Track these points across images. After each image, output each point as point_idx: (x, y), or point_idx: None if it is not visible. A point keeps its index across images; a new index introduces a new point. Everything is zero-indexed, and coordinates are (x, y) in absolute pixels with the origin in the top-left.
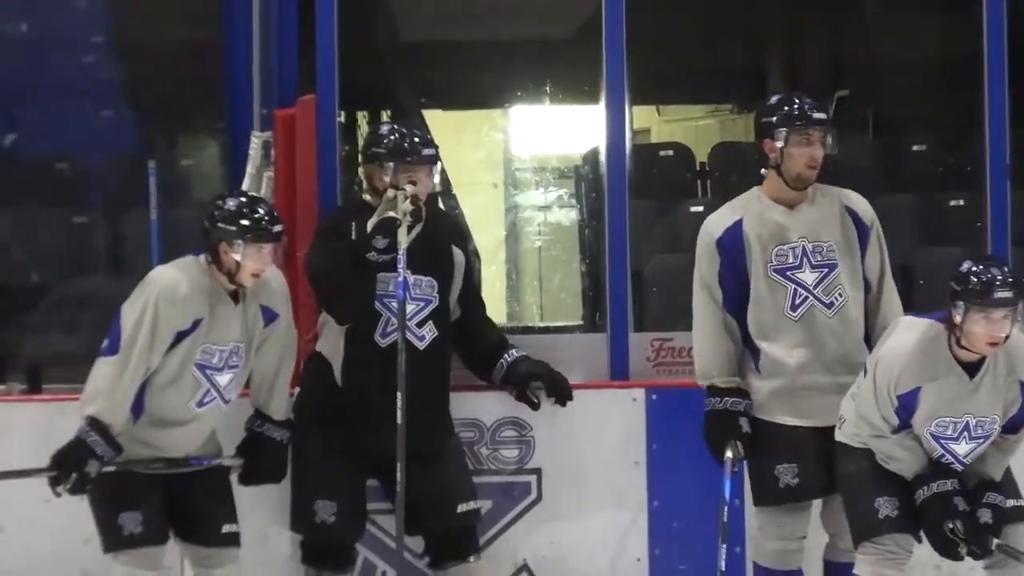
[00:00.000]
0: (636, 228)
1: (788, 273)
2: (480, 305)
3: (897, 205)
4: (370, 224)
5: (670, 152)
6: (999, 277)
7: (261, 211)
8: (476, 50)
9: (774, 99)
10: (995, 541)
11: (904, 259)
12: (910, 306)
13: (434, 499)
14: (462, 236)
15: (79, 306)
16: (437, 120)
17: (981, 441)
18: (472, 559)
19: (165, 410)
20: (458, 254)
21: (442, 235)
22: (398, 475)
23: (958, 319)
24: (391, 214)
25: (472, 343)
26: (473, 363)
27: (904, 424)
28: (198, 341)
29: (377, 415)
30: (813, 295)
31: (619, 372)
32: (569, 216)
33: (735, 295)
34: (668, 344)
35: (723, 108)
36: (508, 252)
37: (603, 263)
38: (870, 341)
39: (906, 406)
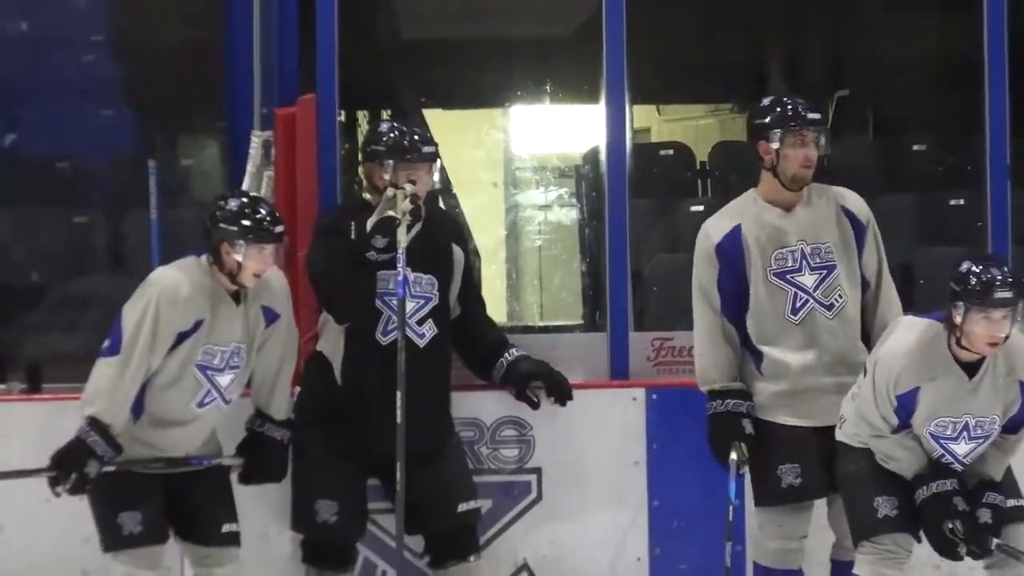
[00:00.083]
0: (636, 227)
1: (788, 276)
2: (480, 304)
3: (897, 205)
4: (369, 223)
5: (670, 151)
6: (999, 277)
7: (263, 211)
8: (476, 49)
9: (767, 101)
10: (995, 541)
11: (904, 259)
12: (910, 305)
13: (434, 498)
14: (462, 234)
15: (80, 306)
16: (437, 119)
17: (981, 441)
18: (472, 558)
19: (165, 410)
20: (458, 252)
21: (442, 233)
22: (398, 474)
23: (958, 319)
24: (390, 213)
25: (472, 342)
26: (473, 362)
27: (904, 424)
28: (199, 342)
29: (377, 414)
30: (813, 298)
31: (619, 371)
32: (569, 215)
33: (734, 301)
34: (668, 343)
35: (723, 107)
36: (508, 251)
37: (603, 262)
38: (869, 339)
39: (905, 406)
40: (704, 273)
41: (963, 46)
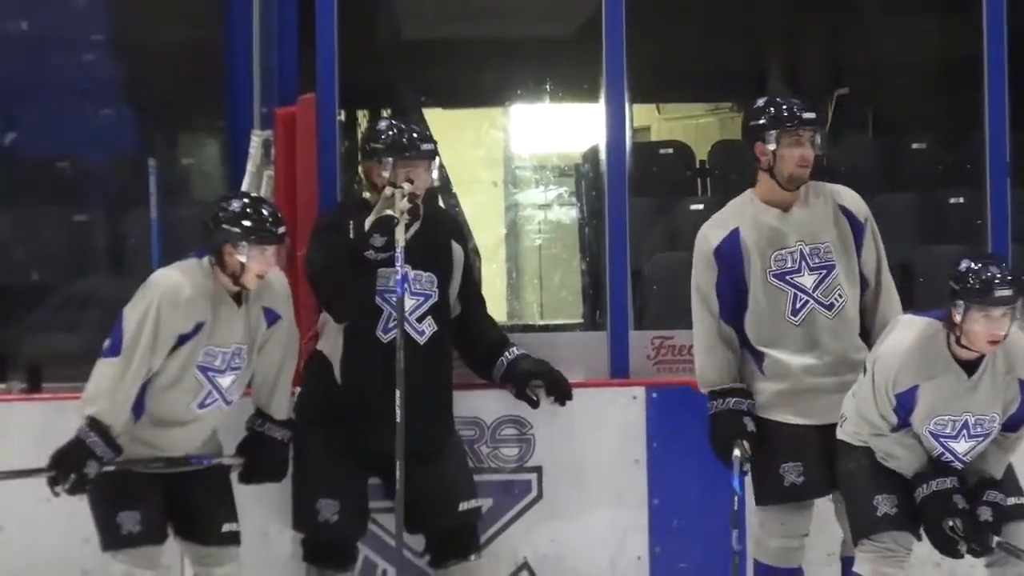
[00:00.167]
0: (636, 226)
1: (788, 277)
2: (480, 302)
3: (897, 203)
4: (368, 222)
5: (670, 150)
6: (998, 275)
7: (265, 212)
8: (476, 49)
9: (761, 102)
10: (995, 539)
11: (904, 257)
12: (910, 304)
13: (435, 497)
14: (461, 232)
15: (80, 306)
16: (437, 118)
17: (980, 439)
18: (473, 558)
19: (166, 411)
20: (457, 250)
21: (441, 231)
22: (397, 473)
23: (958, 318)
24: (388, 212)
25: (472, 340)
26: (473, 361)
27: (903, 422)
28: (200, 344)
29: (377, 413)
30: (813, 298)
31: (619, 370)
32: (569, 214)
33: (732, 304)
34: (668, 342)
35: (723, 106)
36: (508, 250)
37: (603, 261)
38: (869, 338)
39: (904, 404)
40: (703, 277)
41: (963, 45)
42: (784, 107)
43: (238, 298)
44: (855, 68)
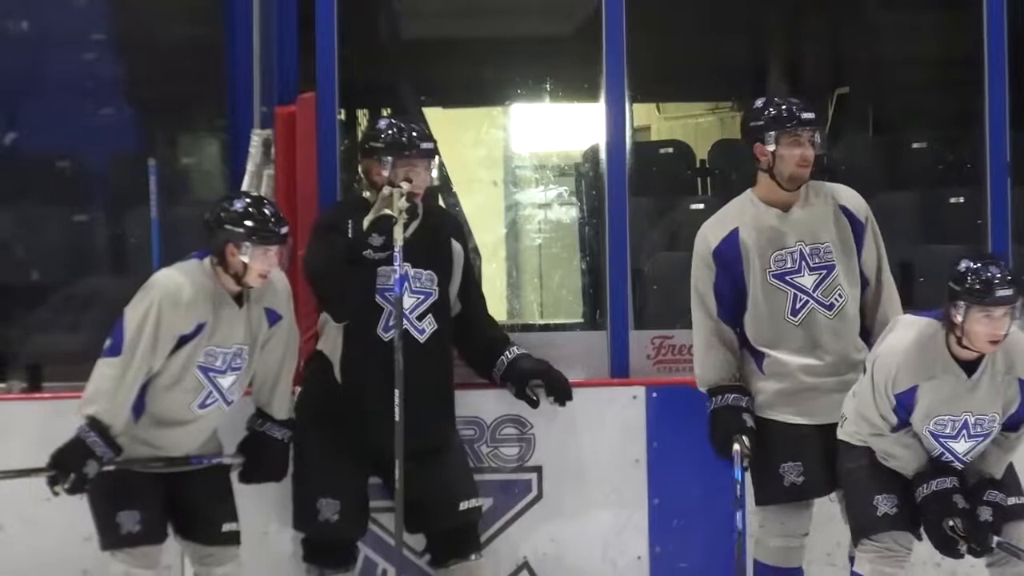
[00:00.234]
0: (636, 226)
1: (787, 278)
2: (481, 301)
3: (897, 203)
4: (366, 221)
5: (670, 149)
6: (998, 275)
7: (268, 212)
8: (476, 48)
9: (760, 102)
10: (996, 539)
11: (904, 256)
12: (910, 304)
13: (436, 497)
14: (461, 231)
15: (81, 306)
16: (437, 118)
17: (980, 439)
18: (473, 557)
19: (166, 411)
20: (457, 248)
21: (441, 229)
22: (396, 472)
23: (959, 319)
24: (387, 211)
25: (473, 339)
26: (473, 360)
27: (903, 422)
28: (201, 344)
29: (377, 412)
30: (813, 298)
31: (619, 370)
32: (569, 214)
33: (731, 304)
34: (668, 342)
35: (723, 106)
36: (508, 250)
37: (603, 261)
38: (870, 337)
39: (904, 405)
40: (701, 277)
41: (963, 44)
42: (783, 107)
43: (239, 299)
44: (855, 67)
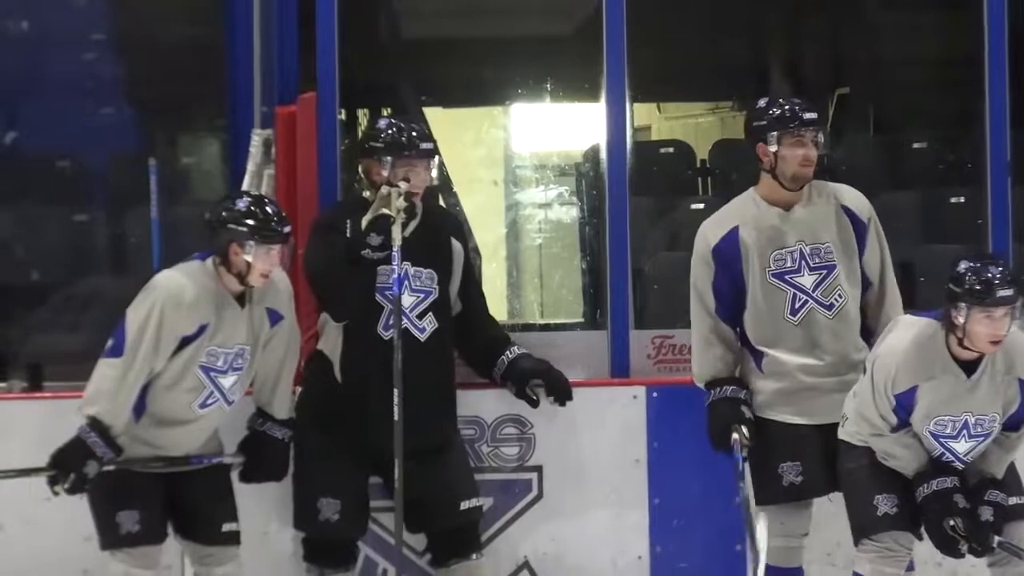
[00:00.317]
0: (637, 225)
1: (787, 277)
2: (481, 301)
3: (898, 202)
4: (364, 221)
5: (671, 149)
6: (998, 275)
7: (270, 211)
8: (477, 47)
9: (763, 102)
10: (997, 539)
11: (905, 256)
12: (911, 304)
13: (436, 497)
14: (461, 230)
15: (82, 306)
16: (438, 117)
17: (981, 439)
18: (474, 557)
19: (167, 411)
20: (457, 246)
21: (441, 228)
22: (396, 471)
23: (960, 320)
24: (385, 211)
25: (473, 339)
26: (474, 359)
27: (903, 423)
28: (203, 345)
29: (377, 411)
30: (812, 298)
31: (620, 369)
32: (570, 213)
33: (730, 302)
34: (669, 341)
35: (724, 105)
36: (509, 249)
37: (604, 260)
38: (872, 338)
39: (904, 405)
40: (700, 275)
41: (963, 44)
42: (786, 108)
43: (241, 299)
44: (856, 67)
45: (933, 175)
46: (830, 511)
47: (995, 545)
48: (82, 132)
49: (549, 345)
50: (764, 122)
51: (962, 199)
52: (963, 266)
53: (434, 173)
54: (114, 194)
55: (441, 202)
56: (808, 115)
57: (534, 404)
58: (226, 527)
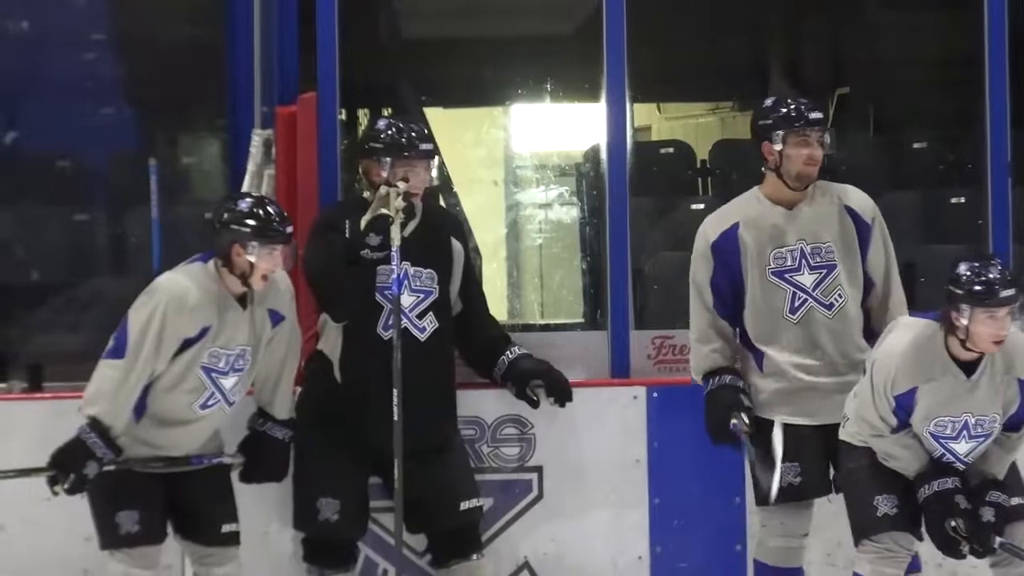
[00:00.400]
0: (637, 225)
1: (787, 276)
2: (481, 300)
3: (898, 203)
4: (363, 221)
5: (671, 149)
6: (998, 276)
7: (272, 211)
8: (477, 47)
9: (769, 102)
10: (998, 540)
11: (905, 256)
12: (911, 304)
13: (437, 497)
14: (461, 230)
15: (82, 306)
16: (438, 117)
17: (981, 440)
18: (475, 557)
19: (168, 411)
20: (457, 246)
21: (441, 228)
22: (396, 471)
23: (963, 321)
24: (384, 211)
25: (473, 339)
26: (474, 359)
27: (903, 424)
28: (205, 347)
29: (377, 411)
30: (812, 297)
31: (620, 370)
32: (570, 213)
33: (729, 299)
34: (669, 342)
35: (724, 105)
36: (509, 250)
37: (604, 260)
38: (875, 339)
39: (903, 406)
40: (699, 270)
41: (964, 44)
42: (791, 107)
43: (243, 300)
44: (856, 67)
45: (933, 175)
46: (830, 511)
47: (996, 546)
48: (82, 132)
49: (549, 345)
50: (769, 121)
51: (962, 199)
52: (963, 267)
53: (434, 173)
54: (114, 194)
55: (441, 202)
56: (814, 115)
57: (534, 405)
58: (226, 527)
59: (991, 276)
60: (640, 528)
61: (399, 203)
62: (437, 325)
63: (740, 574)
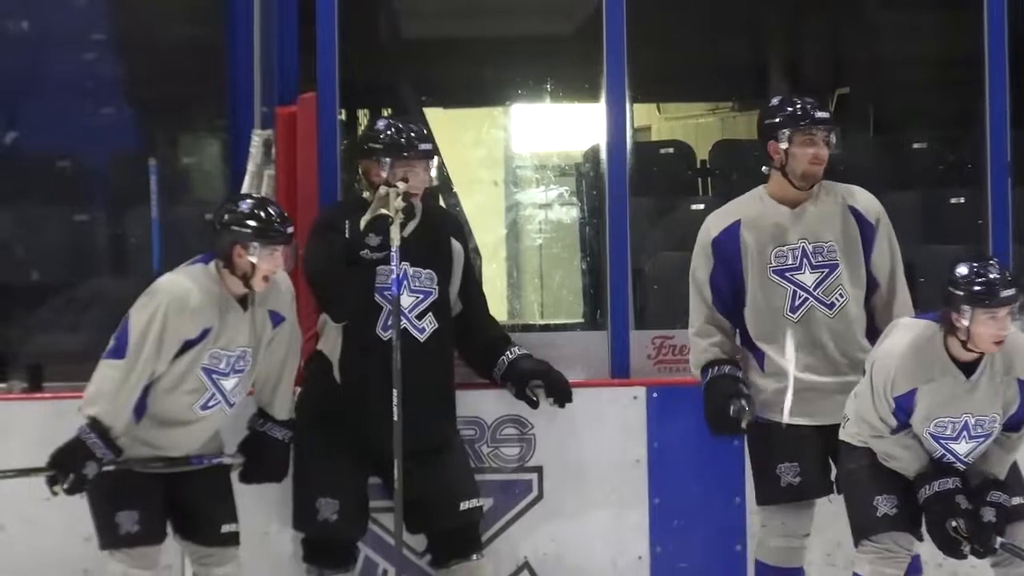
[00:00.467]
0: (637, 226)
1: (788, 274)
2: (481, 301)
3: (898, 203)
4: (363, 221)
5: (671, 150)
6: (999, 276)
7: (273, 212)
8: (477, 47)
9: (776, 100)
10: (999, 540)
11: (905, 257)
12: (913, 304)
13: (436, 497)
14: (461, 230)
15: (82, 306)
16: (438, 118)
17: (981, 440)
18: (475, 557)
19: (168, 412)
20: (456, 247)
21: (441, 229)
22: (395, 472)
23: (964, 322)
24: (383, 211)
25: (473, 339)
26: (474, 360)
27: (903, 425)
28: (206, 348)
29: (377, 412)
30: (813, 296)
31: (620, 370)
32: (570, 214)
33: (728, 298)
34: (669, 342)
35: (723, 106)
36: (509, 250)
37: (604, 261)
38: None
39: (903, 407)
40: (699, 266)
41: (964, 44)
42: (798, 106)
43: (244, 302)
44: (855, 67)
45: (933, 175)
46: (830, 512)
47: (997, 546)
48: (82, 132)
49: (549, 345)
50: (776, 120)
51: (962, 200)
52: (962, 269)
53: (433, 173)
54: (114, 194)
55: (441, 202)
56: (820, 114)
57: (534, 405)
58: (226, 528)
59: (991, 277)
60: (640, 528)
61: (399, 203)
62: (436, 326)
63: (740, 574)
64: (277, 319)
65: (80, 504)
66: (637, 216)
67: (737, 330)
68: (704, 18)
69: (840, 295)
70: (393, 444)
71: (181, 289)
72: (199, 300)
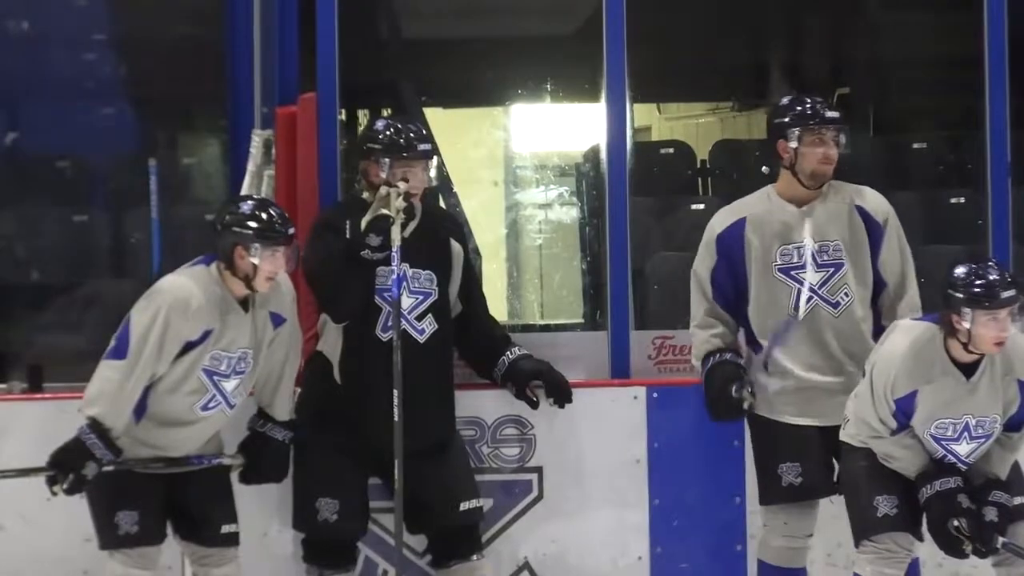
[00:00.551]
0: (637, 226)
1: (793, 273)
2: (481, 301)
3: (898, 203)
4: (363, 222)
5: (671, 150)
6: (999, 277)
7: (274, 213)
8: (477, 48)
9: (785, 100)
10: (1001, 539)
11: None
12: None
13: (437, 497)
14: (460, 231)
15: (82, 306)
16: (438, 118)
17: (982, 441)
18: (475, 557)
19: (168, 412)
20: (456, 247)
21: (441, 229)
22: (395, 472)
23: (965, 324)
24: (384, 211)
25: (473, 339)
26: (474, 360)
27: (902, 426)
28: (207, 350)
29: (377, 412)
30: (818, 295)
31: (620, 370)
32: (570, 214)
33: (730, 294)
34: (669, 342)
35: (724, 106)
36: (509, 250)
37: (604, 261)
38: None
39: (904, 409)
40: (702, 261)
41: (964, 44)
42: (808, 105)
43: (245, 303)
44: (855, 67)
45: (933, 176)
46: (831, 512)
47: (999, 546)
48: (83, 132)
49: (549, 346)
50: (786, 119)
51: (962, 200)
52: (962, 271)
53: (432, 174)
54: (114, 194)
55: (441, 203)
56: (830, 114)
57: (534, 405)
58: (225, 528)
59: (991, 278)
60: (640, 528)
61: (399, 203)
62: (436, 327)
63: (740, 574)
64: (278, 320)
65: (80, 504)
66: (637, 216)
67: (740, 328)
68: (704, 18)
69: (845, 294)
70: (393, 444)
71: (183, 291)
72: (200, 302)
